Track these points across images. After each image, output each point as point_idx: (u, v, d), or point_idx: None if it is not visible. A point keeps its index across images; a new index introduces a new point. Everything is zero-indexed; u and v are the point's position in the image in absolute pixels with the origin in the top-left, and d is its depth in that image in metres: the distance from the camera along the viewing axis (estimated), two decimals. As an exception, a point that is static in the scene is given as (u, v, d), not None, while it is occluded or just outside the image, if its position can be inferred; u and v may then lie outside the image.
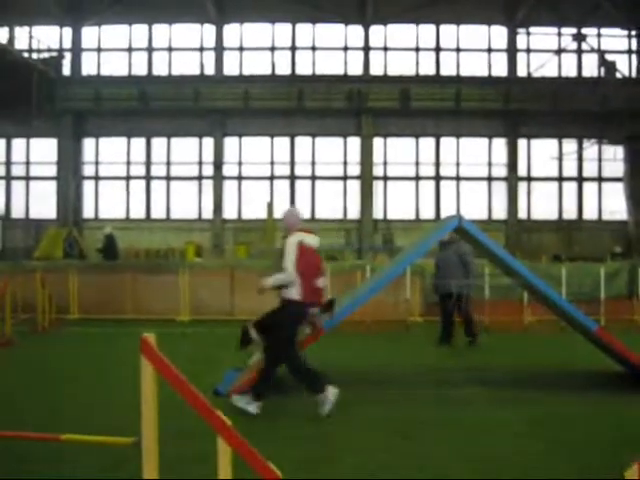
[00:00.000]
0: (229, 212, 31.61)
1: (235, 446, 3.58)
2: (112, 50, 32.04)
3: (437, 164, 31.66)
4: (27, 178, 32.28)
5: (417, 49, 31.69)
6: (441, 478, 5.49)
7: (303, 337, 8.00)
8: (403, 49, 31.71)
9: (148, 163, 32.03)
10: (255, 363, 8.41)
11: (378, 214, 31.33)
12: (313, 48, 31.70)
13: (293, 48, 31.72)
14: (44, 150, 31.92)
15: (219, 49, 31.64)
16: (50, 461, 5.72)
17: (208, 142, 31.64)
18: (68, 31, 31.90)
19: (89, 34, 31.94)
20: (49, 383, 9.12)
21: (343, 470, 5.65)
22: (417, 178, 31.65)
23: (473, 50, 31.70)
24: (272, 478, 3.55)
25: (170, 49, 31.90)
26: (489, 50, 31.72)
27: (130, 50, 31.96)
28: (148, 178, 32.02)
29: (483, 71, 31.54)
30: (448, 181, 31.63)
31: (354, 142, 31.50)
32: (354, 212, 31.47)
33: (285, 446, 6.15)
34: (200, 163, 31.91)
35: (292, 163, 31.74)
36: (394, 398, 8.39)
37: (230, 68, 31.67)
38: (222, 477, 3.62)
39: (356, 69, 31.49)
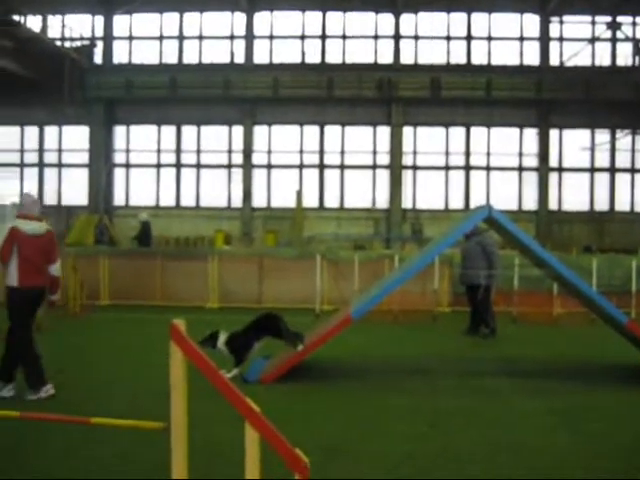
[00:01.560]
0: (258, 200, 31.68)
1: (262, 432, 3.61)
2: (143, 38, 32.21)
3: (467, 154, 31.42)
4: (59, 165, 32.66)
5: (448, 37, 31.40)
6: (465, 467, 5.49)
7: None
8: (434, 37, 31.44)
9: (178, 151, 32.20)
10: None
11: (407, 204, 31.20)
12: (343, 36, 31.56)
13: (323, 36, 31.61)
14: (76, 137, 32.20)
15: (249, 37, 31.64)
16: (79, 445, 5.81)
17: (238, 130, 31.70)
18: (100, 19, 32.15)
19: (121, 22, 32.14)
20: (79, 368, 9.25)
21: (367, 458, 5.68)
22: (447, 168, 31.45)
23: (505, 39, 31.32)
24: (299, 465, 3.56)
25: (201, 37, 31.98)
26: (521, 39, 31.32)
27: (161, 38, 32.10)
28: (178, 166, 32.21)
29: (515, 60, 31.16)
30: (478, 171, 31.38)
31: (384, 131, 31.36)
32: (383, 201, 31.37)
33: (310, 433, 6.19)
34: (230, 151, 32.00)
35: (321, 152, 31.69)
36: (420, 387, 8.39)
37: (260, 56, 31.67)
38: (249, 463, 3.64)
39: (386, 58, 31.30)
